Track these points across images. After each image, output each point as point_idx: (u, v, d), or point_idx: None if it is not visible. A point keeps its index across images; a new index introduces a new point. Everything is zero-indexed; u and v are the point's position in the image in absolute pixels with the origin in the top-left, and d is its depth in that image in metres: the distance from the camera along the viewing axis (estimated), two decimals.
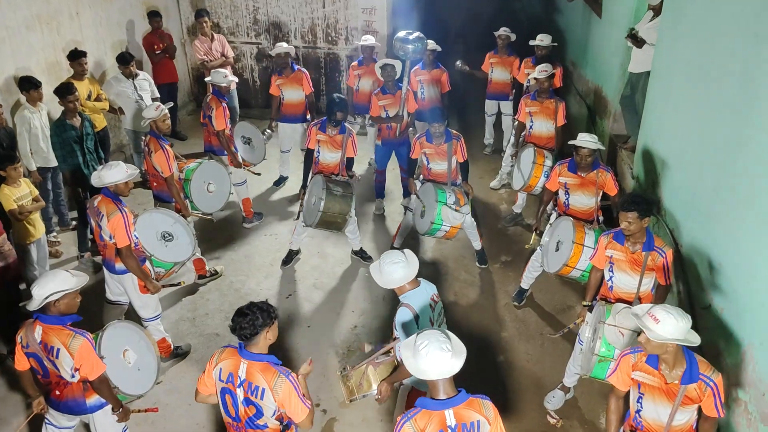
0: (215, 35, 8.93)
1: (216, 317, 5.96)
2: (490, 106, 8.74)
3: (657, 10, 6.16)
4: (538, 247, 5.83)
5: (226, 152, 6.92)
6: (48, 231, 6.84)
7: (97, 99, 7.23)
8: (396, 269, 3.86)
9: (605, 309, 4.42)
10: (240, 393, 3.37)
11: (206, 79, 7.27)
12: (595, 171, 5.48)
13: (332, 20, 9.64)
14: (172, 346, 5.43)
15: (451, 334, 3.15)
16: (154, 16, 8.67)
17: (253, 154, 7.38)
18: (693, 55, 5.09)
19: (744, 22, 4.24)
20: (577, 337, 4.82)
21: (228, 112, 6.81)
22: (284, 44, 7.71)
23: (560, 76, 7.89)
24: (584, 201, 5.57)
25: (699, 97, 4.94)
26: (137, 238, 4.98)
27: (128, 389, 4.10)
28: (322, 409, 5.00)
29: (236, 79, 7.18)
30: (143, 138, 7.89)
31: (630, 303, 4.43)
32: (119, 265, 4.97)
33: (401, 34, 6.68)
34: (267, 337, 3.39)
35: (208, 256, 6.62)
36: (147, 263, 5.11)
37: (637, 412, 3.59)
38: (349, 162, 6.44)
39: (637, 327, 3.74)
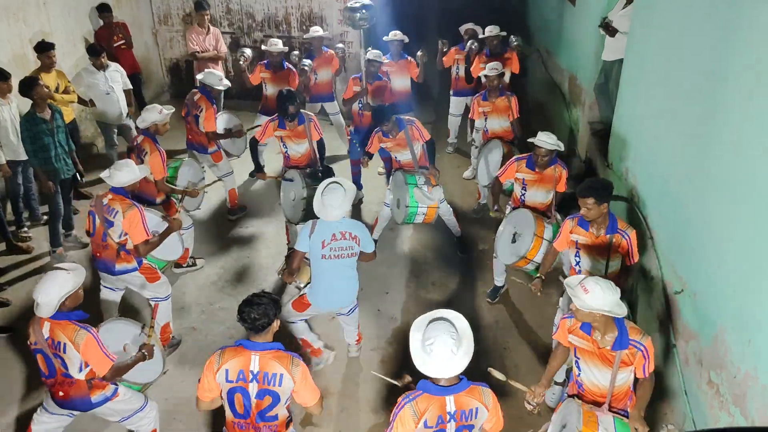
0: (212, 28, 8.82)
1: (193, 311, 5.92)
2: (456, 104, 8.58)
3: None
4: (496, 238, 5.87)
5: (209, 151, 6.89)
6: (19, 226, 6.73)
7: (65, 91, 7.07)
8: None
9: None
10: (253, 387, 3.38)
11: (198, 77, 7.16)
12: (552, 167, 5.58)
13: (306, 9, 9.57)
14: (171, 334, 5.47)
15: (463, 328, 3.24)
16: (103, 10, 8.40)
17: (235, 145, 7.34)
18: (665, 42, 5.13)
19: (715, 10, 4.27)
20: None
21: (215, 112, 6.80)
22: (279, 42, 7.62)
23: (516, 61, 7.91)
24: (541, 196, 5.69)
25: (671, 85, 4.98)
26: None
27: (135, 378, 4.14)
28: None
29: (222, 88, 7.02)
30: (114, 133, 7.82)
31: None
32: (120, 266, 4.94)
33: (349, 3, 6.62)
34: (275, 326, 3.46)
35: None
36: (144, 260, 5.09)
37: (578, 375, 3.87)
38: (321, 144, 6.34)
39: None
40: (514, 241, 5.49)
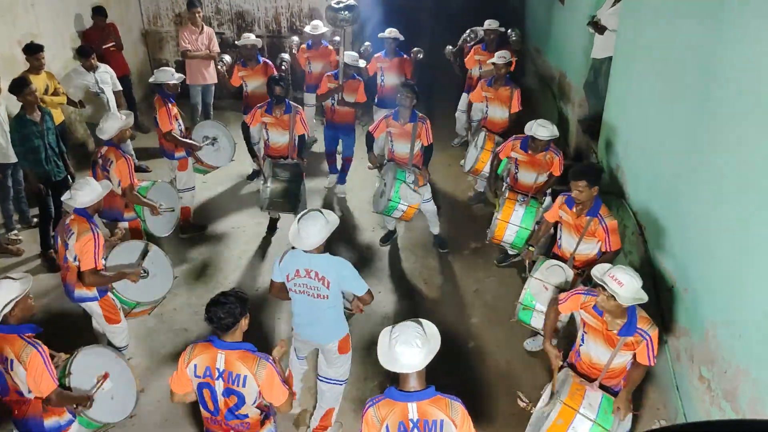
0: (205, 27, 8.75)
1: (184, 312, 5.90)
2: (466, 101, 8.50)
3: None
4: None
5: (176, 156, 6.61)
6: (9, 228, 6.69)
7: (55, 93, 7.01)
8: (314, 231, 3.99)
9: (538, 263, 4.89)
10: (219, 385, 3.35)
11: (150, 79, 6.76)
12: (544, 152, 5.79)
13: (296, 9, 9.56)
14: None
15: (430, 328, 3.20)
16: (98, 13, 8.29)
17: (219, 155, 6.93)
18: (653, 39, 5.16)
19: (703, 7, 4.30)
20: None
21: (172, 111, 6.45)
22: (251, 36, 7.59)
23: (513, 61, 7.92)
24: (530, 178, 5.95)
25: (660, 82, 5.01)
26: (104, 263, 4.67)
27: (94, 415, 3.82)
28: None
29: (175, 81, 6.55)
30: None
31: (566, 262, 4.92)
32: (79, 292, 4.62)
33: (332, 3, 6.66)
34: (243, 325, 3.40)
35: (173, 252, 6.52)
36: (109, 294, 4.77)
37: (580, 345, 4.05)
38: (301, 140, 6.41)
39: (561, 283, 4.66)
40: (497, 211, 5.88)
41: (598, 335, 3.89)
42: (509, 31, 8.10)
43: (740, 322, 3.79)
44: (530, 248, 5.32)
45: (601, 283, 3.70)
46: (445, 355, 5.30)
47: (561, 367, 4.13)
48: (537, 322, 4.80)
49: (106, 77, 7.56)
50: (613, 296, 3.63)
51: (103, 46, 8.23)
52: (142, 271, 4.86)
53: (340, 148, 7.68)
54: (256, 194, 7.78)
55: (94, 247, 4.41)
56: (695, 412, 4.28)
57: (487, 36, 7.82)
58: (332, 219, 4.09)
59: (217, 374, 3.34)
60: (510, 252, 6.33)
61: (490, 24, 7.78)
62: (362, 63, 7.48)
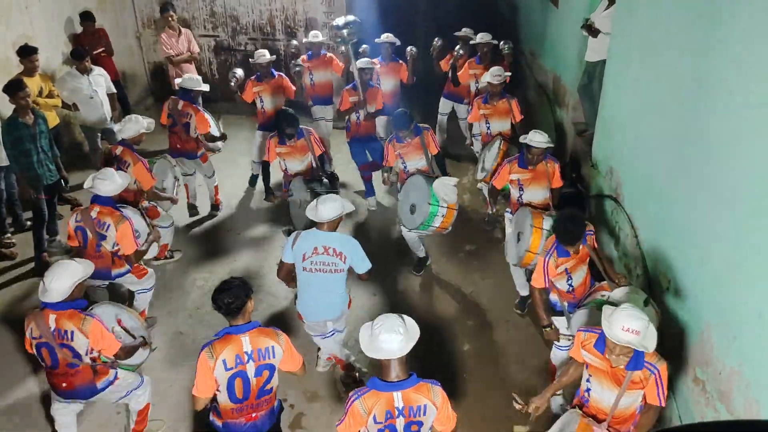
0: (182, 29, 8.71)
1: (179, 315, 5.88)
2: (445, 105, 8.56)
3: None
4: (505, 243, 5.98)
5: (198, 154, 6.97)
6: (2, 232, 6.66)
7: (49, 95, 7.00)
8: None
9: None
10: (251, 367, 3.54)
11: (176, 81, 7.07)
12: (543, 162, 5.65)
13: (291, 12, 9.54)
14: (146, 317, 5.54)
15: (408, 319, 3.34)
16: (86, 18, 8.23)
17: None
18: (647, 43, 5.18)
19: (694, 10, 4.32)
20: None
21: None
22: (266, 52, 7.43)
23: (507, 69, 7.84)
24: (539, 194, 5.71)
25: (653, 85, 5.03)
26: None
27: (128, 361, 4.34)
28: (290, 404, 4.98)
29: (207, 88, 7.03)
30: (98, 137, 7.76)
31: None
32: (116, 270, 5.15)
33: (334, 22, 6.75)
34: (250, 307, 3.62)
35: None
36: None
37: (585, 390, 3.83)
38: (321, 159, 6.36)
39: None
40: (518, 240, 5.46)
41: (604, 376, 3.67)
42: (501, 43, 8.11)
43: (735, 323, 3.80)
44: (550, 329, 4.71)
45: (614, 341, 3.43)
46: (441, 357, 5.35)
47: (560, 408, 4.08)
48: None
49: (100, 80, 7.54)
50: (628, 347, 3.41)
51: (94, 52, 8.20)
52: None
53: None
54: (246, 201, 7.80)
55: (132, 233, 4.97)
56: (690, 413, 4.28)
57: (480, 49, 7.79)
58: (347, 205, 4.66)
59: (246, 357, 3.52)
60: (522, 294, 5.93)
61: (483, 37, 7.75)
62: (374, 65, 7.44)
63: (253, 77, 7.43)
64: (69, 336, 3.92)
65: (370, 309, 5.98)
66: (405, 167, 6.29)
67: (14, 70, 6.96)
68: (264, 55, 7.34)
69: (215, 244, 6.96)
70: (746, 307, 3.67)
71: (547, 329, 4.66)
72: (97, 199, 4.96)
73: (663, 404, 3.62)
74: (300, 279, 4.63)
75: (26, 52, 6.73)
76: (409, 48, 7.89)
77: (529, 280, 5.18)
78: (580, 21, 6.68)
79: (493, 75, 6.83)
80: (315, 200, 4.59)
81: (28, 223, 6.80)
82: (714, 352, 4.00)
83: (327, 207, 4.50)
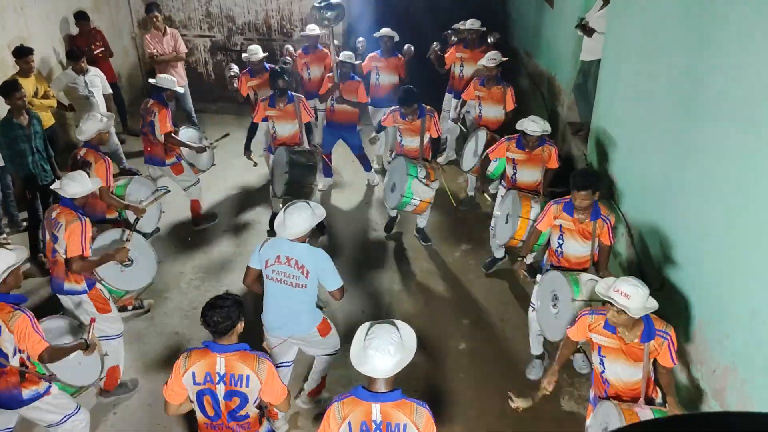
0: (168, 29, 8.69)
1: (175, 316, 5.88)
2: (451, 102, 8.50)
3: None
4: (493, 218, 6.22)
5: (167, 163, 6.55)
6: None
7: (45, 96, 6.99)
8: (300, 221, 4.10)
9: (569, 280, 4.47)
10: (221, 389, 3.35)
11: (150, 80, 6.77)
12: (541, 147, 5.76)
13: (286, 12, 9.56)
14: (119, 381, 4.97)
15: (405, 331, 3.18)
16: (80, 18, 8.19)
17: (201, 159, 7.00)
18: (641, 42, 5.20)
19: (688, 10, 4.34)
20: (530, 307, 5.10)
21: (170, 114, 6.49)
22: (259, 49, 7.46)
23: None
24: (531, 175, 5.86)
25: (647, 83, 5.05)
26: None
27: (68, 380, 4.06)
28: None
29: (182, 90, 6.90)
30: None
31: (579, 268, 4.72)
32: (68, 285, 4.59)
33: (316, 3, 6.69)
34: (239, 328, 3.42)
35: (162, 253, 6.49)
36: (98, 285, 4.75)
37: (602, 373, 3.82)
38: (308, 126, 6.52)
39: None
40: (506, 221, 5.72)
41: (619, 354, 3.72)
42: (490, 37, 8.14)
43: (728, 321, 3.83)
44: (522, 260, 5.25)
45: (608, 299, 3.59)
46: (437, 356, 5.36)
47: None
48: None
49: (95, 80, 7.54)
50: (623, 310, 3.52)
51: (94, 52, 8.20)
52: (128, 250, 4.82)
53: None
54: (239, 199, 7.80)
55: (81, 234, 4.41)
56: (684, 411, 4.30)
57: (469, 35, 7.86)
58: (319, 212, 4.22)
59: (218, 378, 3.33)
60: (497, 257, 6.36)
61: (473, 23, 7.84)
62: (357, 61, 7.48)
63: (245, 71, 7.53)
64: None
65: (364, 308, 5.99)
66: (401, 141, 6.44)
67: (10, 70, 6.96)
68: (256, 53, 7.39)
69: (212, 245, 6.95)
70: (739, 305, 3.69)
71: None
72: (61, 201, 4.58)
73: (675, 364, 3.73)
74: (264, 286, 4.31)
75: (21, 53, 6.72)
76: (406, 46, 7.93)
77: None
78: (575, 21, 6.70)
79: (489, 58, 6.89)
80: (282, 211, 4.17)
81: (24, 223, 6.80)
82: (707, 350, 4.02)
83: (296, 221, 4.06)
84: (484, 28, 7.94)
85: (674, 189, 4.54)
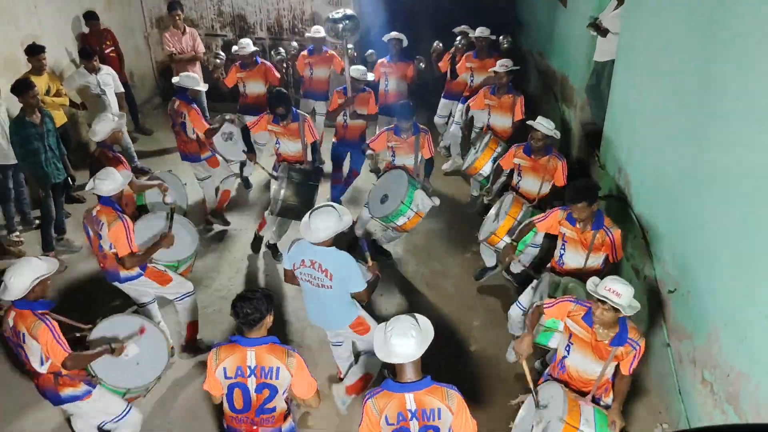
0: (187, 28, 8.74)
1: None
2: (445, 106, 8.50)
3: None
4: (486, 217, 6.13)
5: (203, 157, 6.74)
6: (10, 230, 6.69)
7: (57, 94, 7.04)
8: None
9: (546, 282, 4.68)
10: (252, 382, 3.44)
11: (174, 80, 6.85)
12: (546, 157, 5.74)
13: (298, 11, 9.56)
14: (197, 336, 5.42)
15: (423, 320, 3.29)
16: (90, 18, 8.22)
17: (234, 148, 7.11)
18: (655, 43, 5.15)
19: (701, 10, 4.30)
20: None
21: (199, 111, 6.63)
22: (249, 42, 7.47)
23: None
24: (534, 185, 5.86)
25: (661, 85, 5.00)
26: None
27: (116, 382, 4.13)
28: (296, 403, 4.97)
29: (205, 88, 6.93)
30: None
31: (576, 276, 4.77)
32: (125, 273, 4.85)
33: (331, 15, 6.64)
34: (268, 322, 3.50)
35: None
36: (149, 265, 5.01)
37: (563, 358, 3.95)
38: (314, 147, 6.36)
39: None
40: (494, 220, 5.73)
41: (586, 346, 3.84)
42: (501, 38, 8.08)
43: (743, 325, 3.79)
44: (513, 243, 5.14)
45: (598, 297, 3.64)
46: (447, 359, 5.34)
47: (537, 381, 4.07)
48: (554, 342, 4.47)
49: (108, 79, 7.57)
50: (613, 308, 3.59)
51: (106, 51, 8.24)
52: (173, 236, 5.07)
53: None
54: (265, 195, 7.81)
55: (125, 234, 4.63)
56: (697, 415, 4.27)
57: (478, 43, 7.78)
58: (346, 219, 4.23)
59: (248, 372, 3.42)
60: (487, 266, 6.27)
61: (481, 32, 7.74)
62: (370, 76, 7.29)
63: (237, 63, 7.56)
64: (21, 338, 3.78)
65: (376, 310, 5.97)
66: (393, 160, 6.31)
67: (22, 68, 7.00)
68: (245, 48, 7.41)
69: (223, 243, 6.96)
70: (755, 309, 3.65)
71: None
72: (100, 199, 4.76)
73: (631, 373, 3.82)
74: (301, 284, 4.47)
75: (34, 51, 6.77)
76: (417, 58, 7.91)
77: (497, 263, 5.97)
78: (588, 20, 6.66)
79: (500, 64, 6.87)
80: (308, 214, 4.23)
81: (37, 221, 6.83)
82: (722, 353, 3.98)
83: (320, 226, 4.08)
84: (494, 36, 7.88)
85: (689, 191, 4.50)
